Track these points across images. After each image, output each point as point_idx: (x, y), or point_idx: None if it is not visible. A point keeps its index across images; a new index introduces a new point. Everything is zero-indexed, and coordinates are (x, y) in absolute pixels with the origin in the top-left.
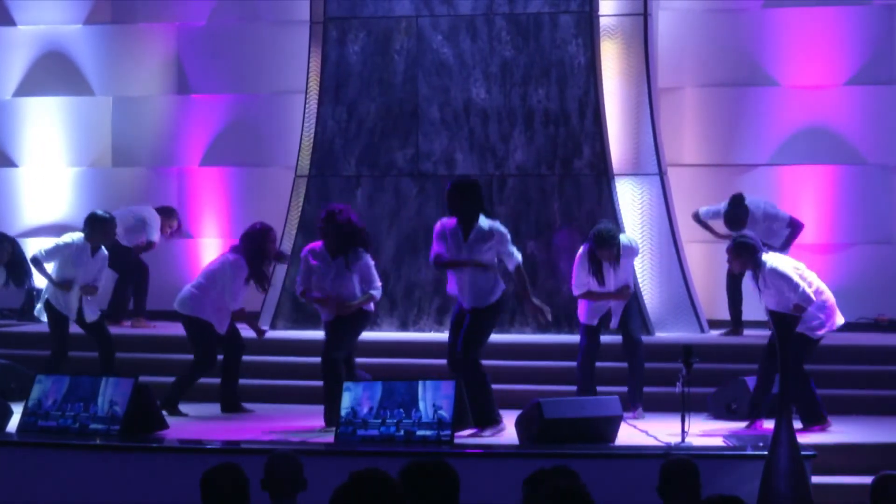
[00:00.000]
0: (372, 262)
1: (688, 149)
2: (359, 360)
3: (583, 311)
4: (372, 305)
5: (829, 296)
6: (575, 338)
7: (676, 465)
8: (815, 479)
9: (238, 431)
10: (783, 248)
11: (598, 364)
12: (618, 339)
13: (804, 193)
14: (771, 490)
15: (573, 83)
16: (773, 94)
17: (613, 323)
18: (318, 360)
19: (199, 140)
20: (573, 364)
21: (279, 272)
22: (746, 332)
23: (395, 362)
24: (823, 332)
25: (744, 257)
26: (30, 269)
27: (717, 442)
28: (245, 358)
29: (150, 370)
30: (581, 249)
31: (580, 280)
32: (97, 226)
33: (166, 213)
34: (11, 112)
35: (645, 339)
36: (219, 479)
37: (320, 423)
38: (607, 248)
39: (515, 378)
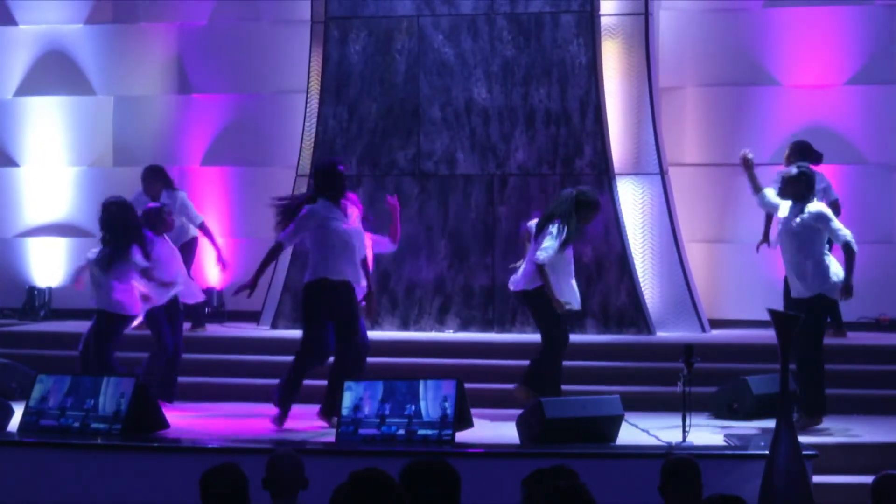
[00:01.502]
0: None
1: (689, 148)
2: None
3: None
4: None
5: None
6: (574, 338)
7: (678, 464)
8: (816, 479)
9: (239, 431)
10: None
11: (598, 364)
12: (618, 338)
13: None
14: (772, 489)
15: (574, 83)
16: (774, 93)
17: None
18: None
19: (200, 139)
20: (574, 363)
21: (280, 271)
22: (748, 332)
23: (396, 361)
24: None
25: None
26: None
27: (719, 441)
28: (245, 358)
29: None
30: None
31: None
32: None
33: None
34: (12, 111)
35: (646, 338)
36: (218, 480)
37: (321, 422)
38: (596, 210)
39: (515, 378)
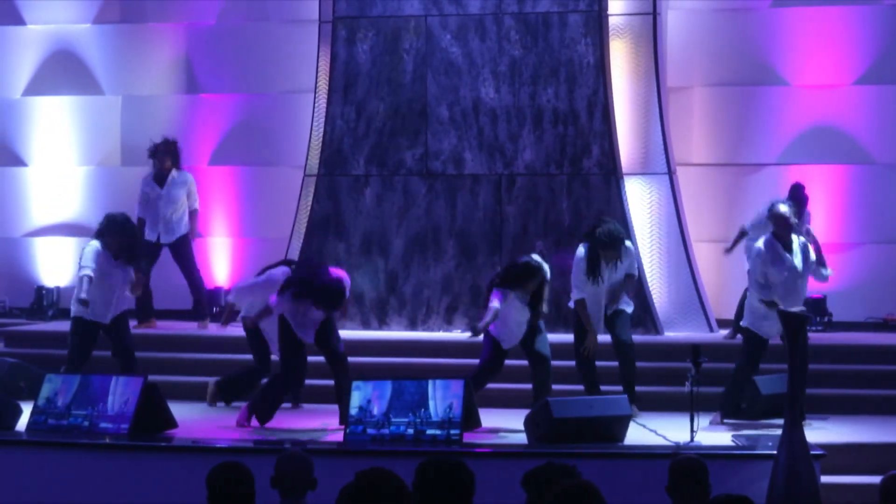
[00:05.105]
0: None
1: (696, 148)
2: (367, 359)
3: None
4: None
5: None
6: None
7: (685, 464)
8: (824, 479)
9: (247, 430)
10: None
11: (606, 363)
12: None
13: (813, 193)
14: (779, 489)
15: (582, 82)
16: (781, 93)
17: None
18: (319, 359)
19: (207, 139)
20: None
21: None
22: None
23: (404, 361)
24: None
25: None
26: None
27: (726, 441)
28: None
29: (159, 369)
30: (580, 250)
31: (580, 281)
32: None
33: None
34: (21, 111)
35: (654, 338)
36: (223, 478)
37: (323, 421)
38: (613, 248)
39: (517, 378)
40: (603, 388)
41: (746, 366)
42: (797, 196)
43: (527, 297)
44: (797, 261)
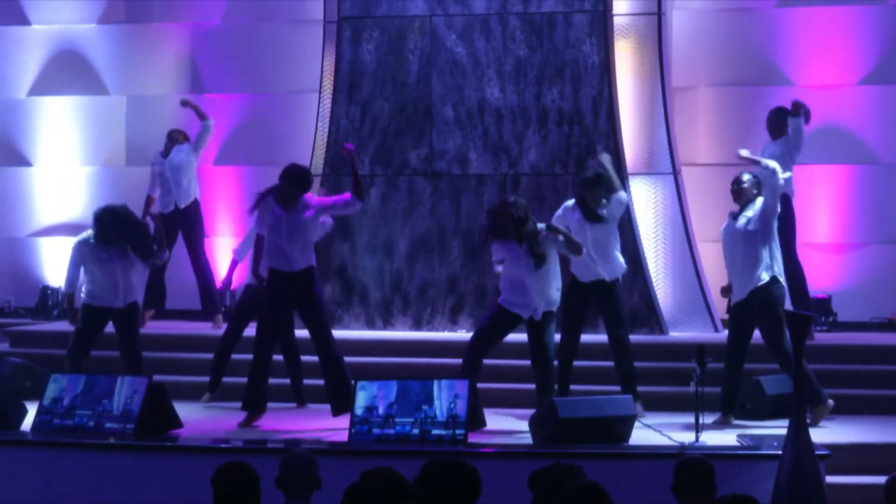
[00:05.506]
0: None
1: (702, 148)
2: (372, 359)
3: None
4: None
5: None
6: (586, 338)
7: (691, 464)
8: (830, 479)
9: (252, 430)
10: None
11: (610, 364)
12: (630, 338)
13: (817, 193)
14: (785, 490)
15: (587, 82)
16: (786, 93)
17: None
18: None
19: (212, 139)
20: (586, 364)
21: None
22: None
23: (409, 361)
24: None
25: None
26: None
27: (732, 441)
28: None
29: (164, 369)
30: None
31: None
32: None
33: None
34: (26, 111)
35: (659, 338)
36: (228, 478)
37: (329, 422)
38: (597, 186)
39: (520, 377)
40: (603, 388)
41: (727, 348)
42: (777, 112)
43: (514, 244)
44: (740, 222)
